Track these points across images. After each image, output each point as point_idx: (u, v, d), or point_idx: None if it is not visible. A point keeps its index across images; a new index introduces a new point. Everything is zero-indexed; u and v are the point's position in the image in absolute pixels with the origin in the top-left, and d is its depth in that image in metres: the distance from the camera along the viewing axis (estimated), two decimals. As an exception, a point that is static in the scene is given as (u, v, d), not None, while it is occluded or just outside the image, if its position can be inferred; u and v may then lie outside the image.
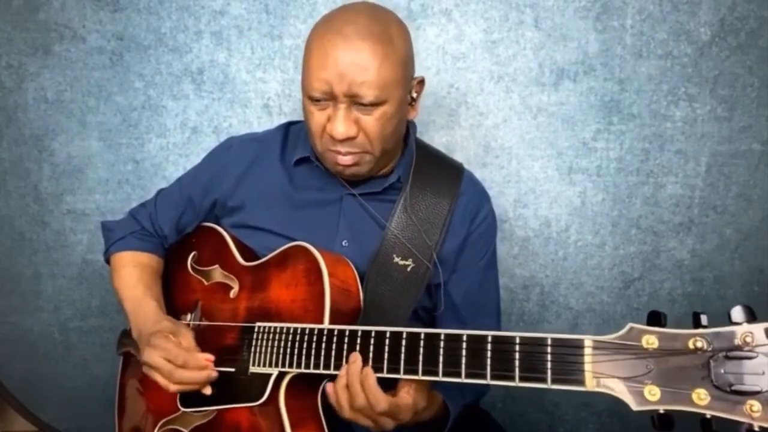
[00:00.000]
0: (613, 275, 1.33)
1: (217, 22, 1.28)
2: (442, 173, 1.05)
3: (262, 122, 1.32)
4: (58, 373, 1.49)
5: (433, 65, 1.26)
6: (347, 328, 0.82)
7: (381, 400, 0.77)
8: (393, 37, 0.91)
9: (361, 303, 0.93)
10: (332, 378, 0.87)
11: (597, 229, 1.31)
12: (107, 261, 1.13)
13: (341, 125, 0.89)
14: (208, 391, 0.91)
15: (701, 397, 0.60)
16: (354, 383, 0.78)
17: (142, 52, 1.30)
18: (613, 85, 1.23)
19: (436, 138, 1.29)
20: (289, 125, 1.12)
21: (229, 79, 1.31)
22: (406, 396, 0.79)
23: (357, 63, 0.86)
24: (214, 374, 0.90)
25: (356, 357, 0.79)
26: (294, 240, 0.96)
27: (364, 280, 0.95)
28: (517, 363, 0.69)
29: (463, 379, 0.72)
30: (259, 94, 1.31)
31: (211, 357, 0.91)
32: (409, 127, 1.06)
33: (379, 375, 0.78)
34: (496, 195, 1.31)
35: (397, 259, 0.98)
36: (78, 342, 1.47)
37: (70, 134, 1.35)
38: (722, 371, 0.60)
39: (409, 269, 0.98)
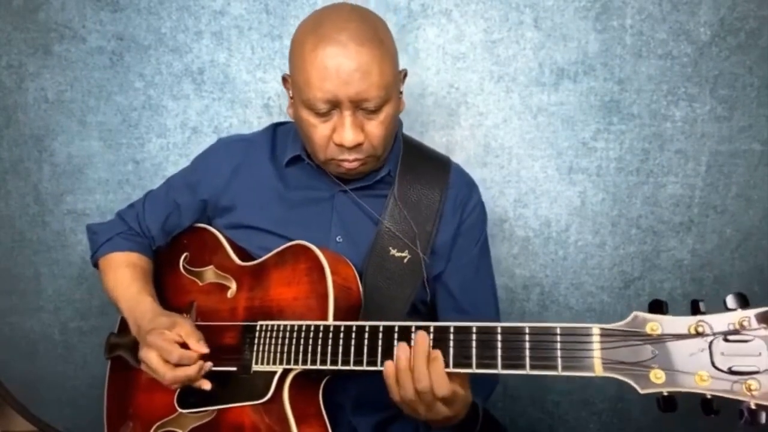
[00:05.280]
0: (613, 275, 1.34)
1: (217, 22, 1.28)
2: (430, 166, 1.06)
3: (262, 122, 1.32)
4: (59, 373, 1.49)
5: (433, 65, 1.26)
6: (354, 324, 0.83)
7: (444, 385, 0.76)
8: (383, 36, 0.91)
9: (362, 300, 0.93)
10: (335, 375, 0.87)
11: (597, 229, 1.31)
12: (95, 265, 1.12)
13: (350, 133, 0.89)
14: (207, 386, 0.91)
15: (703, 378, 0.64)
16: (420, 364, 0.76)
17: (142, 52, 1.30)
18: (613, 85, 1.24)
19: (437, 138, 1.29)
20: (276, 126, 1.11)
21: (229, 79, 1.31)
22: (460, 387, 0.79)
23: (360, 69, 0.86)
24: (208, 364, 0.91)
25: (423, 337, 0.77)
26: (288, 239, 0.96)
27: (362, 276, 0.96)
28: (527, 352, 0.71)
29: (474, 369, 0.74)
30: (259, 94, 1.31)
31: (206, 349, 0.91)
32: None
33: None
34: (496, 195, 1.31)
35: (393, 252, 0.99)
36: (78, 342, 1.47)
37: (70, 134, 1.35)
38: (722, 353, 0.64)
39: (405, 260, 0.99)
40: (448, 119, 1.29)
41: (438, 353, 0.76)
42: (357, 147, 0.92)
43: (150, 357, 0.90)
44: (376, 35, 0.89)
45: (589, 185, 1.29)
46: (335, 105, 0.89)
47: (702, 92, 1.23)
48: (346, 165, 0.94)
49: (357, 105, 0.89)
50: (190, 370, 0.90)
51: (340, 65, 0.86)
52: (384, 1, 1.24)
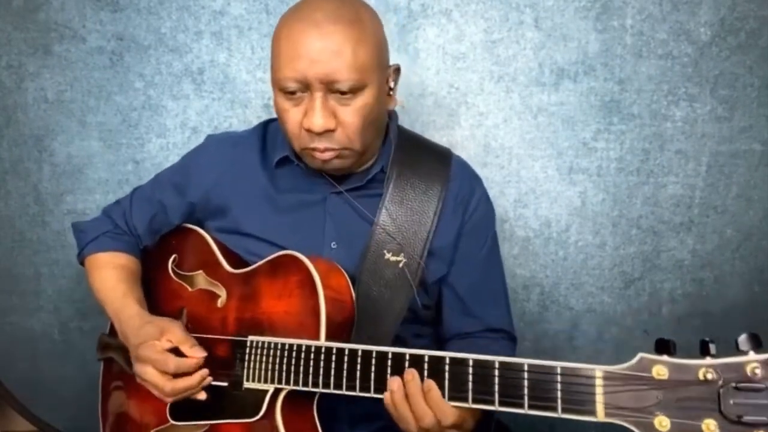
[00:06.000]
0: (613, 275, 1.33)
1: (217, 22, 1.28)
2: (428, 160, 1.00)
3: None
4: (58, 373, 1.49)
5: (433, 65, 1.26)
6: (346, 346, 0.80)
7: (449, 413, 0.73)
8: (365, 20, 0.86)
9: (355, 311, 0.90)
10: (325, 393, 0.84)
11: (597, 229, 1.31)
12: (81, 263, 1.10)
13: (318, 117, 0.84)
14: (202, 395, 0.89)
15: (710, 428, 0.61)
16: (418, 401, 0.73)
17: (142, 52, 1.30)
18: (613, 85, 1.23)
19: (437, 138, 1.28)
20: (266, 124, 1.07)
21: (229, 79, 1.31)
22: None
23: (331, 48, 0.82)
24: (207, 373, 0.89)
25: (413, 374, 0.74)
26: (280, 246, 0.93)
27: (356, 283, 0.92)
28: (526, 390, 0.69)
29: (470, 404, 0.71)
30: (259, 94, 1.31)
31: (203, 353, 0.88)
32: (390, 115, 1.01)
33: (381, 396, 0.77)
34: (496, 195, 1.31)
35: (388, 256, 0.94)
36: (78, 342, 1.47)
37: (70, 134, 1.35)
38: (731, 402, 0.60)
39: (401, 265, 0.94)
40: (448, 119, 1.29)
41: (431, 383, 0.73)
42: (327, 134, 0.86)
43: (146, 371, 0.87)
44: (356, 16, 0.85)
45: (590, 185, 1.29)
46: (306, 86, 0.84)
47: (702, 92, 1.23)
48: (318, 155, 0.88)
49: (328, 87, 0.84)
50: (191, 381, 0.87)
51: (311, 44, 0.82)
52: (384, 1, 1.24)
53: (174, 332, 0.89)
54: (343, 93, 0.84)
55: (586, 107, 1.25)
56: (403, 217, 0.96)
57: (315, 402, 0.86)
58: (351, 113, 0.86)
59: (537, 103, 1.26)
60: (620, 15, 1.20)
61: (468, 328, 1.01)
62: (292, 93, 0.85)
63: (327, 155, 0.88)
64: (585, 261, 1.33)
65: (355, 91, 0.85)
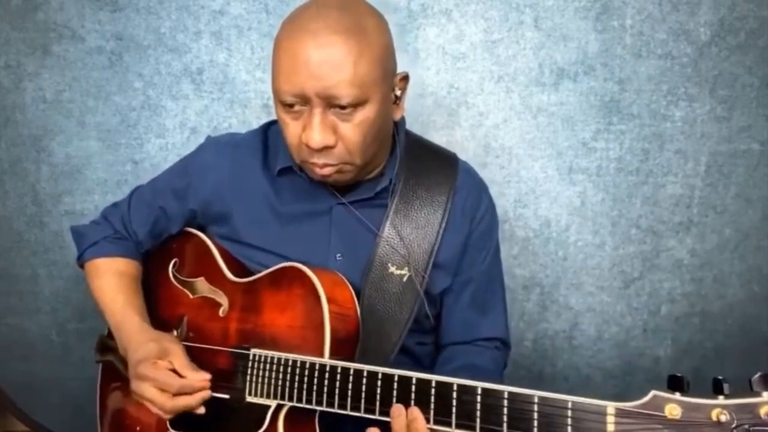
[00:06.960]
0: (613, 275, 1.34)
1: (216, 22, 1.28)
2: (435, 168, 0.98)
3: (261, 122, 1.30)
4: (56, 375, 1.48)
5: (433, 65, 1.26)
6: (351, 366, 0.78)
7: None
8: (368, 29, 0.81)
9: (360, 324, 0.88)
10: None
11: (597, 229, 1.31)
12: (81, 266, 1.08)
13: (317, 133, 0.81)
14: (201, 410, 0.87)
15: None
16: None
17: (142, 52, 1.30)
18: (613, 85, 1.24)
19: (437, 138, 1.28)
20: (267, 127, 1.03)
21: (228, 79, 1.30)
22: None
23: (329, 61, 0.78)
24: (209, 394, 0.87)
25: (399, 411, 0.73)
26: (284, 256, 0.91)
27: (360, 296, 0.90)
28: (535, 423, 0.67)
29: None
30: (259, 94, 1.31)
31: (208, 376, 0.87)
32: (398, 124, 0.97)
33: (386, 419, 0.75)
34: (496, 195, 1.29)
35: (392, 269, 0.92)
36: (76, 343, 1.47)
37: (68, 134, 1.34)
38: None
39: (405, 279, 0.92)
40: (448, 119, 1.29)
41: (416, 412, 0.72)
42: (327, 150, 0.83)
43: (143, 389, 0.85)
44: (358, 27, 0.80)
45: (589, 185, 1.29)
46: (305, 101, 0.81)
47: (702, 92, 1.23)
48: (318, 170, 0.86)
49: (328, 102, 0.80)
50: (192, 400, 0.85)
51: (310, 56, 0.78)
52: (384, 1, 1.24)
53: (176, 356, 0.88)
54: (343, 108, 0.81)
55: (586, 107, 1.25)
56: (408, 230, 0.94)
57: (317, 415, 0.85)
58: (351, 128, 0.83)
59: (537, 103, 1.26)
60: (620, 15, 1.21)
61: (462, 337, 1.01)
62: (291, 106, 0.82)
63: (326, 171, 0.86)
64: (585, 261, 1.33)
65: (355, 105, 0.81)
